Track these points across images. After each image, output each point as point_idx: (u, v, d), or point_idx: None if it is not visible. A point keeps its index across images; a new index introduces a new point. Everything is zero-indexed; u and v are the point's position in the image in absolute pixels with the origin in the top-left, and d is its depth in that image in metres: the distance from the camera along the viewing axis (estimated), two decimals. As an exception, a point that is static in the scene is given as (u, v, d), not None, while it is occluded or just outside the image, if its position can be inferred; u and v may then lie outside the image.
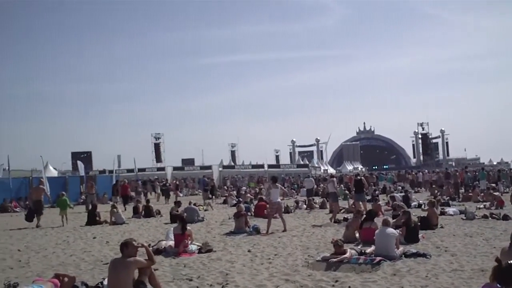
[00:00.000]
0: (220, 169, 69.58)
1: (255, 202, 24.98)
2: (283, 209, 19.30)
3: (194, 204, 23.42)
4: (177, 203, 22.64)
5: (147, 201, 26.90)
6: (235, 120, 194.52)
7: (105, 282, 8.47)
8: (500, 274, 5.18)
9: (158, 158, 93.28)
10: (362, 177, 23.40)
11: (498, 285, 5.47)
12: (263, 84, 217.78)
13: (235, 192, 36.79)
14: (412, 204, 24.97)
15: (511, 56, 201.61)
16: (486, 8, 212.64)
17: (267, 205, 21.91)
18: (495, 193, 26.88)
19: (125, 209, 28.04)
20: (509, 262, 5.24)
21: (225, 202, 32.01)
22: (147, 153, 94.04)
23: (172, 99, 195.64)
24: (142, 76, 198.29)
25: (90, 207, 24.15)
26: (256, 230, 16.73)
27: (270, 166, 77.00)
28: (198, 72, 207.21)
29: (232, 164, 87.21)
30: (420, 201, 25.80)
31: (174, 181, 47.51)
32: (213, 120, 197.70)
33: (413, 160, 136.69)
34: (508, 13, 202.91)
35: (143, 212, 24.03)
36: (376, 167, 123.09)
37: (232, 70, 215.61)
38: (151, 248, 11.45)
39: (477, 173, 42.99)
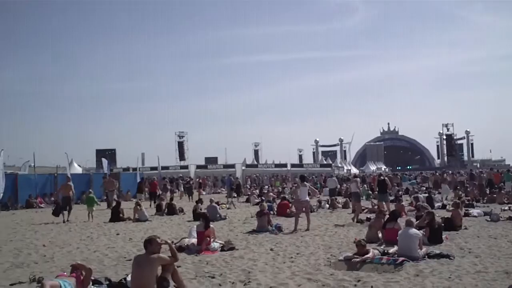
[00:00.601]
0: (243, 167, 69.57)
1: (278, 201, 24.99)
2: (310, 209, 19.29)
3: (217, 203, 23.48)
4: (199, 201, 22.71)
5: (171, 198, 27.06)
6: (259, 120, 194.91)
7: (129, 278, 8.52)
8: None
9: (182, 157, 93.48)
10: (386, 178, 23.33)
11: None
12: (287, 84, 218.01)
13: (257, 191, 36.81)
14: (436, 205, 24.80)
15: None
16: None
17: (290, 204, 22.08)
18: (519, 196, 26.65)
19: (150, 206, 28.21)
20: None
21: (247, 200, 32.05)
22: (170, 151, 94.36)
23: (196, 99, 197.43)
24: (165, 76, 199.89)
25: (113, 204, 24.40)
26: (279, 229, 16.77)
27: (293, 165, 76.74)
28: (221, 72, 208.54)
29: (255, 163, 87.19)
30: (444, 202, 25.62)
31: (198, 179, 47.59)
32: (236, 120, 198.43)
33: (437, 161, 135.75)
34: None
35: (166, 209, 24.16)
36: (399, 168, 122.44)
37: (255, 70, 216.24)
38: (174, 245, 11.55)
39: (502, 175, 42.54)
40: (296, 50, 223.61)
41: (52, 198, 32.01)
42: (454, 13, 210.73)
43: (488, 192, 32.52)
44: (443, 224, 15.66)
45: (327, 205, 26.46)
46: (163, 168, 61.35)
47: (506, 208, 23.81)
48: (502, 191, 30.67)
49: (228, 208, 26.58)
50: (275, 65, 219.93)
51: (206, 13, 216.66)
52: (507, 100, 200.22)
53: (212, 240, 13.19)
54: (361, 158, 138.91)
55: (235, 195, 34.78)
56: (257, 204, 23.78)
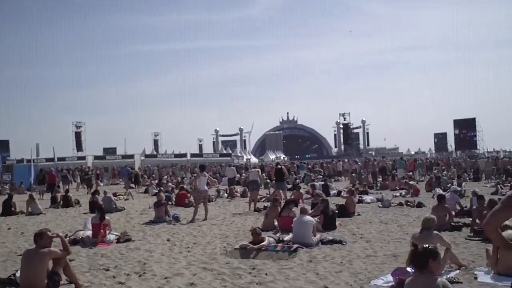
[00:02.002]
0: (142, 158, 68.96)
1: (176, 191, 24.88)
2: (208, 198, 19.32)
3: (114, 194, 23.08)
4: (96, 192, 22.25)
5: (66, 190, 26.37)
6: (159, 109, 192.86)
7: (18, 274, 8.25)
8: (414, 257, 5.40)
9: (79, 147, 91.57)
10: (283, 166, 23.67)
11: (412, 268, 5.71)
12: (187, 73, 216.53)
13: (156, 181, 36.49)
14: (331, 192, 25.45)
15: (431, 50, 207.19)
16: (411, 2, 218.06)
17: (188, 194, 22.05)
18: (411, 182, 27.74)
19: (42, 197, 27.53)
20: (424, 246, 5.47)
21: (146, 191, 31.70)
22: (67, 142, 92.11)
23: (94, 88, 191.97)
24: (61, 63, 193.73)
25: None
26: (176, 219, 16.73)
27: (193, 155, 76.89)
28: (120, 61, 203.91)
29: (155, 153, 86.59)
30: (340, 189, 26.33)
31: (95, 170, 46.62)
32: (136, 109, 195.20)
33: (335, 150, 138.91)
34: (432, 8, 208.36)
35: (61, 202, 23.52)
36: (298, 157, 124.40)
37: (155, 59, 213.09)
38: (68, 238, 11.31)
39: (395, 162, 44.19)
40: (195, 39, 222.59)
41: None
42: (355, 4, 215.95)
43: (381, 179, 33.71)
44: (337, 211, 16.14)
45: (226, 195, 26.59)
46: (59, 159, 59.80)
47: (398, 194, 24.78)
48: (395, 178, 31.86)
49: (126, 199, 26.20)
50: (175, 54, 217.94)
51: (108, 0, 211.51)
52: (401, 91, 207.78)
53: (107, 232, 12.99)
54: (261, 147, 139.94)
55: (134, 186, 34.33)
56: (155, 194, 23.56)
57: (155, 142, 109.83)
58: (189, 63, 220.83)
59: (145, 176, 44.48)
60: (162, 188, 28.04)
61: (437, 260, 5.46)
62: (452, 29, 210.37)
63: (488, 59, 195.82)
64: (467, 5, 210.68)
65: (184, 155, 74.80)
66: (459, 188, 23.70)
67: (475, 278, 8.13)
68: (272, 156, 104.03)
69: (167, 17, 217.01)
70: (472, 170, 42.27)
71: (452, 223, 13.59)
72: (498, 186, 26.08)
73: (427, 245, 5.57)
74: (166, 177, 43.08)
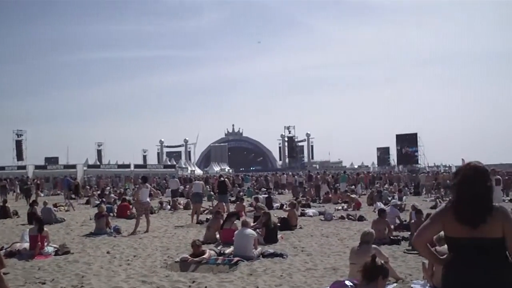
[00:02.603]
0: (85, 168, 67.91)
1: (119, 203, 24.57)
2: (150, 210, 19.15)
3: (55, 205, 22.61)
4: (34, 203, 21.74)
5: (4, 201, 25.72)
6: (103, 119, 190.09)
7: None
8: (367, 270, 5.48)
9: (20, 156, 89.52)
10: (226, 179, 23.64)
11: (361, 279, 5.80)
12: (132, 82, 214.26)
13: (98, 192, 35.94)
14: (275, 205, 25.54)
15: (375, 66, 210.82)
16: (352, 18, 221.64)
17: (131, 206, 21.81)
18: (352, 195, 28.07)
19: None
20: (380, 262, 5.55)
21: (87, 202, 31.17)
22: (7, 151, 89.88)
23: (36, 96, 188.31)
24: (2, 70, 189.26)
25: None
26: (117, 231, 16.52)
27: (136, 166, 76.10)
28: (64, 68, 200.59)
29: (98, 163, 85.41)
30: (283, 202, 26.46)
31: (35, 180, 45.65)
32: (80, 118, 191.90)
33: (279, 163, 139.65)
34: (371, 24, 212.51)
35: (-1, 212, 22.90)
36: (243, 169, 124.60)
37: (99, 67, 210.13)
38: (4, 250, 11.03)
39: (338, 176, 44.68)
40: (140, 48, 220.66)
41: None
42: (299, 20, 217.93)
43: (324, 192, 34.03)
44: (279, 224, 16.19)
45: (169, 206, 26.39)
46: (-1, 168, 58.41)
47: (340, 208, 25.04)
48: (338, 192, 32.19)
49: (66, 210, 25.71)
50: (119, 63, 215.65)
51: (48, 8, 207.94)
52: (345, 105, 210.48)
53: (46, 244, 12.72)
54: (206, 159, 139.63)
55: (74, 196, 33.75)
56: (96, 206, 23.20)
57: (99, 152, 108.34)
58: (134, 73, 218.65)
59: (88, 186, 43.77)
60: (104, 199, 27.65)
61: (385, 280, 5.57)
62: (394, 46, 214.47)
63: (429, 75, 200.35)
64: (412, 23, 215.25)
65: (128, 165, 73.85)
66: (399, 202, 24.15)
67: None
68: (216, 168, 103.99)
69: (111, 27, 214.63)
70: (413, 184, 43.10)
71: (391, 237, 13.81)
72: (438, 200, 26.60)
73: (381, 262, 5.64)
74: (108, 188, 42.52)
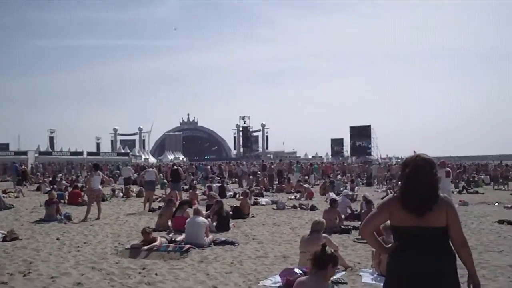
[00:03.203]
0: (37, 155, 66.84)
1: (70, 190, 24.27)
2: (102, 197, 19.01)
3: (4, 191, 22.18)
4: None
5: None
6: (55, 106, 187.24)
7: None
8: (317, 258, 5.49)
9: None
10: (179, 167, 23.55)
11: (302, 269, 5.83)
12: (87, 70, 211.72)
13: (50, 179, 35.45)
14: (228, 194, 25.57)
15: (330, 58, 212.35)
16: (312, 11, 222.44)
17: (82, 193, 21.58)
18: (305, 185, 28.28)
19: None
20: (329, 251, 5.59)
21: (38, 189, 30.72)
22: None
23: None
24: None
25: None
26: (68, 218, 16.34)
27: (89, 153, 75.24)
28: (16, 54, 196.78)
29: (50, 150, 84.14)
30: (236, 191, 26.54)
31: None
32: (32, 104, 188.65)
33: (234, 152, 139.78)
34: (330, 16, 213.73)
35: None
36: (197, 158, 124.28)
37: (55, 54, 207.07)
38: None
39: (292, 166, 44.89)
40: (95, 36, 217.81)
41: None
42: (260, 12, 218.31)
43: (277, 182, 34.24)
44: (231, 212, 16.23)
45: (121, 194, 26.19)
46: None
47: (292, 197, 25.22)
48: (291, 181, 32.41)
49: (16, 197, 25.29)
50: (73, 50, 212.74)
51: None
52: (300, 96, 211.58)
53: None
54: (160, 148, 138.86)
55: (25, 183, 33.18)
56: (47, 192, 22.86)
57: (51, 139, 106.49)
58: (90, 61, 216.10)
59: (38, 173, 43.13)
60: (55, 186, 27.28)
61: (335, 267, 5.63)
62: (351, 39, 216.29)
63: (383, 70, 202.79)
64: (374, 15, 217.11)
65: (81, 153, 72.98)
66: (350, 193, 24.40)
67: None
68: (171, 157, 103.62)
69: (68, 13, 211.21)
70: (365, 175, 43.67)
71: (342, 226, 13.99)
72: (389, 191, 27.02)
73: (331, 251, 5.68)
74: (60, 175, 41.95)
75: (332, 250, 5.72)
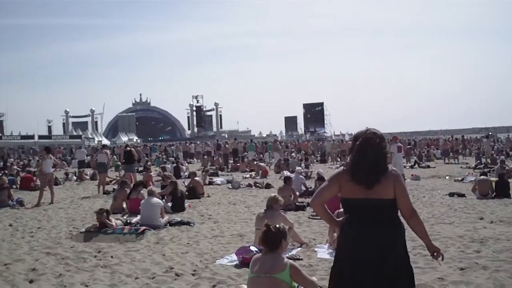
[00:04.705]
0: (-15, 139, 65.65)
1: (22, 174, 23.92)
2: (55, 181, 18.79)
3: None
4: None
5: None
6: (4, 88, 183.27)
7: None
8: (267, 237, 5.50)
9: None
10: (132, 148, 23.35)
11: (258, 247, 5.85)
12: (36, 51, 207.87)
13: (0, 164, 34.83)
14: (183, 174, 25.50)
15: (283, 36, 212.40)
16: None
17: (34, 178, 21.28)
18: (260, 164, 28.39)
19: None
20: (276, 226, 5.60)
21: (-11, 175, 30.15)
22: None
23: None
24: None
25: None
26: (20, 203, 16.12)
27: (41, 137, 74.11)
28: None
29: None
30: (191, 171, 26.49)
31: None
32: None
33: (188, 132, 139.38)
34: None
35: None
36: (151, 139, 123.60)
37: (2, 34, 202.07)
38: None
39: (246, 144, 44.96)
40: (43, 15, 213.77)
41: None
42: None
43: (232, 161, 34.32)
44: (186, 193, 16.22)
45: (75, 177, 25.90)
46: None
47: (247, 176, 25.33)
48: (245, 160, 32.51)
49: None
50: (20, 30, 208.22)
51: None
52: (253, 74, 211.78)
53: None
54: (113, 129, 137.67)
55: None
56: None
57: (0, 123, 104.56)
58: (39, 41, 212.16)
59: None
60: (6, 171, 26.83)
61: (286, 240, 5.66)
62: (304, 17, 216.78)
63: (337, 48, 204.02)
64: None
65: (32, 136, 71.89)
66: (304, 170, 24.59)
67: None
68: (124, 138, 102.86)
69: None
70: (319, 152, 43.99)
71: (296, 203, 14.11)
72: (343, 167, 27.25)
73: (278, 226, 5.69)
74: (11, 159, 41.23)
75: (278, 225, 5.71)
